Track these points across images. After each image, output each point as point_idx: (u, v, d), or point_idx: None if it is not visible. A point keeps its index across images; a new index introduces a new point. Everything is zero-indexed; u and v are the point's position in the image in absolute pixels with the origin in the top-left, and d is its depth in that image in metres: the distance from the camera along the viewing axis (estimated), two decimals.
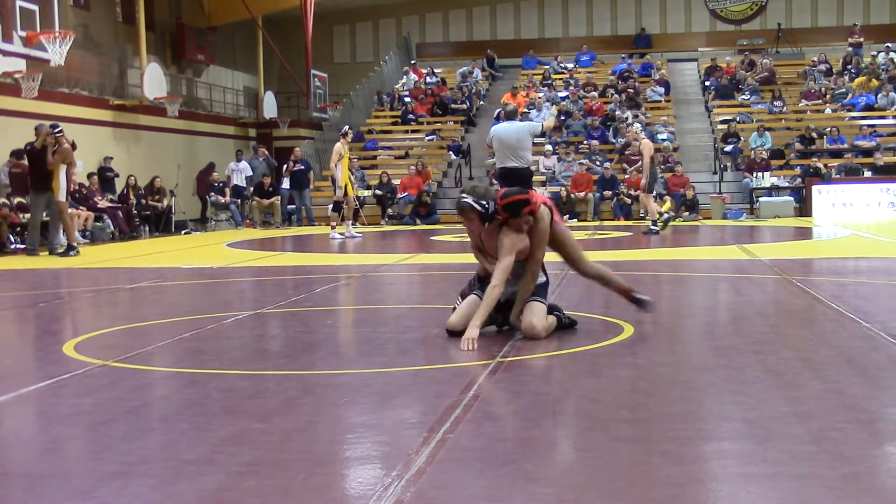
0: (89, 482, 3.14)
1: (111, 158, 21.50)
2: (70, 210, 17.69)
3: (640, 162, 16.28)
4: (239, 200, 22.68)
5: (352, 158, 18.63)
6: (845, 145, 23.08)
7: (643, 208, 16.09)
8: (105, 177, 20.68)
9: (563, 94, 27.57)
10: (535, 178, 15.41)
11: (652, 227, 15.88)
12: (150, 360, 5.42)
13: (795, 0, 32.77)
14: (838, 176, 21.54)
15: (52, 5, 17.76)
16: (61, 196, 14.26)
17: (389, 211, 22.45)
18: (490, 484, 3.04)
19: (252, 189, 22.98)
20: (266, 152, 25.47)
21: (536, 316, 5.65)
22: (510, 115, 15.26)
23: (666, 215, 15.97)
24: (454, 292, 6.30)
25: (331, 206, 17.72)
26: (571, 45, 32.44)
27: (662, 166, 22.09)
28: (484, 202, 5.69)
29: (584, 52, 31.28)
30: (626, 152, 23.18)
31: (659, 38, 33.14)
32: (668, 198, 21.24)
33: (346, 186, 16.72)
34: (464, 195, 5.76)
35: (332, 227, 17.01)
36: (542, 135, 14.31)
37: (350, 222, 17.30)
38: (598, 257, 11.79)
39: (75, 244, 14.44)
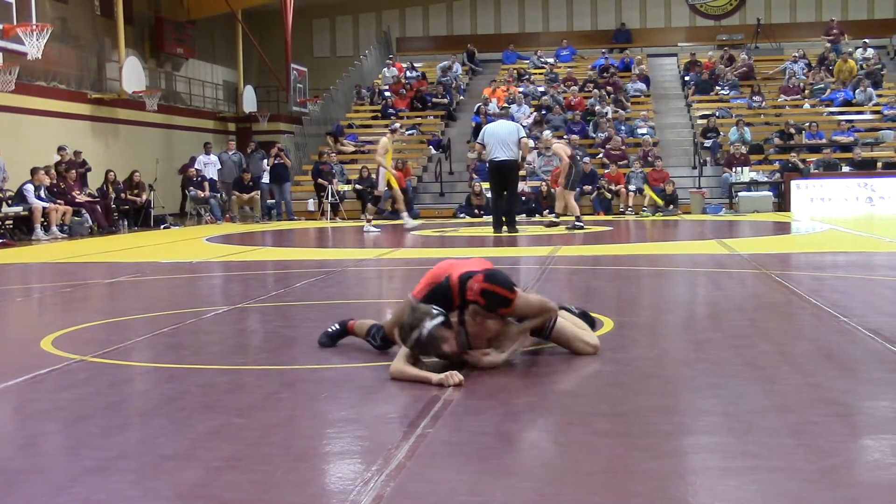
0: (67, 477, 3.12)
1: (80, 152, 21.18)
2: (48, 204, 17.64)
3: (568, 167, 16.31)
4: (217, 195, 22.55)
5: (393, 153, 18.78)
6: (823, 140, 23.21)
7: (561, 204, 16.26)
8: (77, 172, 20.28)
9: (543, 88, 27.60)
10: (524, 150, 15.73)
11: (576, 223, 15.97)
12: (128, 356, 5.39)
13: None
14: (817, 171, 21.66)
15: None
16: None
17: (369, 205, 22.41)
18: (470, 478, 3.04)
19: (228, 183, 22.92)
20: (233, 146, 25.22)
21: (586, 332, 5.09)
22: (503, 114, 16.11)
23: (580, 223, 16.12)
24: None
25: (370, 201, 18.11)
26: (551, 40, 32.46)
27: (643, 161, 22.18)
28: (435, 313, 4.49)
29: (563, 47, 31.31)
30: (608, 146, 23.24)
31: (639, 33, 33.23)
32: (647, 190, 21.31)
33: (389, 180, 17.06)
34: (419, 330, 4.41)
35: (368, 221, 17.08)
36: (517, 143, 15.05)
37: (405, 213, 17.73)
38: (579, 252, 11.86)
39: None
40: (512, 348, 4.71)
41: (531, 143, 17.93)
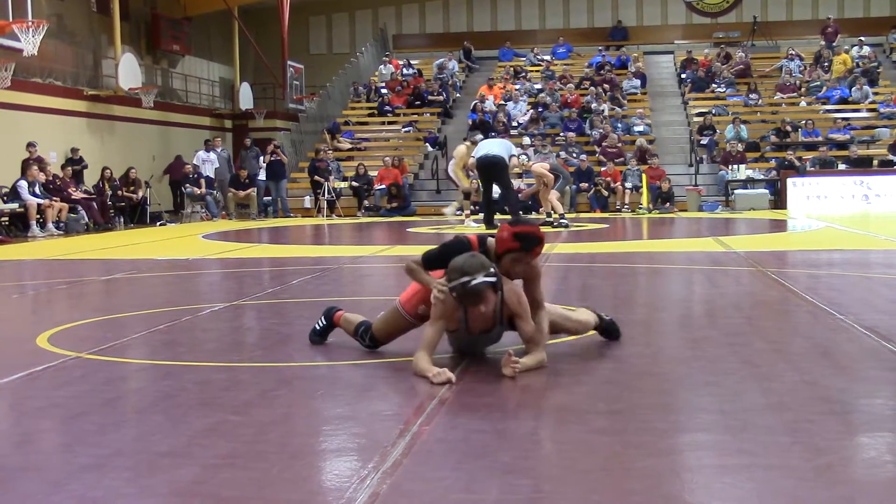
0: (63, 475, 3.12)
1: (77, 150, 21.12)
2: (43, 201, 17.62)
3: (553, 181, 16.57)
4: (214, 192, 22.48)
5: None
6: (820, 138, 23.22)
7: (548, 205, 16.50)
8: (73, 169, 20.23)
9: (539, 85, 27.59)
10: (511, 170, 15.89)
11: (561, 221, 16.07)
12: (124, 353, 5.38)
13: None
14: (813, 169, 21.67)
15: None
16: None
17: (366, 202, 22.42)
18: (466, 476, 3.04)
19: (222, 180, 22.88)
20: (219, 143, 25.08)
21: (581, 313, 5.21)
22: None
23: (564, 220, 16.28)
24: None
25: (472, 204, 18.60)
26: (548, 38, 32.43)
27: (639, 159, 22.18)
28: (492, 272, 4.43)
29: (560, 45, 31.30)
30: (604, 144, 23.23)
31: (635, 31, 33.21)
32: (643, 190, 21.31)
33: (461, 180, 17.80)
34: (471, 277, 4.35)
35: (467, 216, 17.79)
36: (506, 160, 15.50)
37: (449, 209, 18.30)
38: (576, 249, 11.86)
39: None
40: (537, 357, 4.57)
41: (524, 156, 18.46)
